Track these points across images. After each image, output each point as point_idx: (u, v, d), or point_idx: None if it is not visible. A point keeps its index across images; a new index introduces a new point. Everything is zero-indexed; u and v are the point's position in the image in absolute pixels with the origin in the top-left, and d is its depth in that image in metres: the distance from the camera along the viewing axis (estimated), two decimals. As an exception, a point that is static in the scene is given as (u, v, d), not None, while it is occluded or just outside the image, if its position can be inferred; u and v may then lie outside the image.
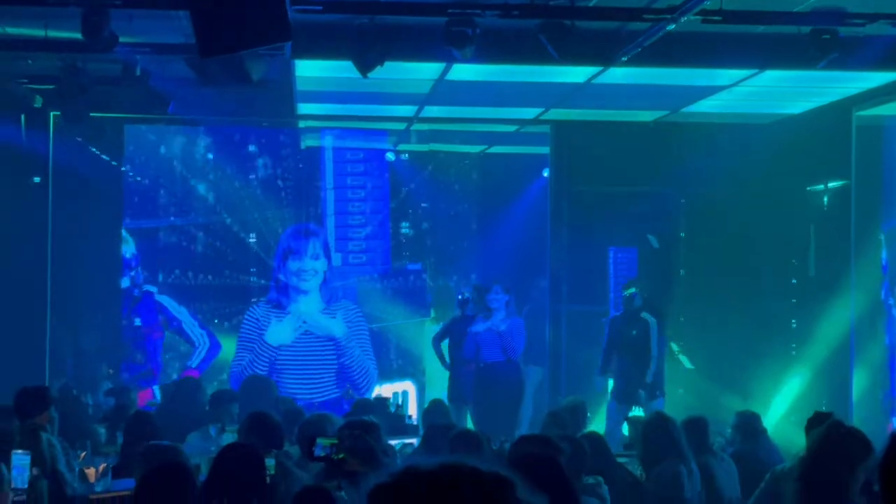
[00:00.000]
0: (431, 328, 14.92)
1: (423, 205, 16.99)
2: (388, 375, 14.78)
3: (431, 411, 12.00)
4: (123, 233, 14.92)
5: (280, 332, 13.27)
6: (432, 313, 15.04)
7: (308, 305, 12.84)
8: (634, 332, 14.54)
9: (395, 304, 14.47)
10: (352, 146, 15.58)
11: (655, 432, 9.66)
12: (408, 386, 14.12)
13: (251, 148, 16.17)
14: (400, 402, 13.65)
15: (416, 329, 14.40)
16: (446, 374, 14.86)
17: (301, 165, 16.04)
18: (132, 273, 14.96)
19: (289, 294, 13.10)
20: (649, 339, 14.58)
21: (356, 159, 15.28)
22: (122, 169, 15.95)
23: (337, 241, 14.72)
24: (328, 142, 15.37)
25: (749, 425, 10.96)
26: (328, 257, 12.85)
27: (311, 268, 12.44)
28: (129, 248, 14.98)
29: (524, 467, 6.73)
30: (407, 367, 14.39)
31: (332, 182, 14.97)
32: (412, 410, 13.92)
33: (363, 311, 13.92)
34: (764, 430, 11.10)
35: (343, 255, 14.58)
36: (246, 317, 13.47)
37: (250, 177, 15.77)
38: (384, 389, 14.33)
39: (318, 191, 15.21)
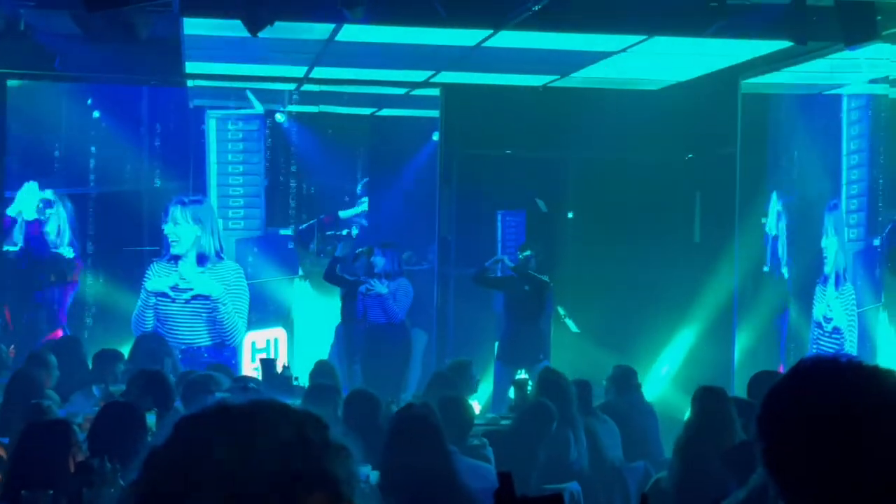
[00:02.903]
0: (300, 283, 16.15)
1: (310, 167, 17.18)
2: (261, 323, 15.89)
3: (318, 372, 11.94)
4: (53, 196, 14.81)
5: (157, 281, 14.25)
6: (300, 271, 16.27)
7: (186, 264, 13.81)
8: (527, 288, 14.58)
9: (268, 264, 15.74)
10: (234, 114, 16.12)
11: (552, 389, 9.73)
12: (279, 332, 15.50)
13: (140, 109, 16.17)
14: (287, 365, 13.81)
15: (286, 285, 15.91)
16: (314, 325, 15.84)
17: (188, 126, 16.21)
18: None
19: (174, 255, 13.91)
20: (543, 297, 14.67)
21: (237, 128, 16.05)
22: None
23: (219, 209, 15.71)
24: (214, 113, 16.00)
25: (624, 378, 11.06)
26: (202, 223, 13.77)
27: (171, 232, 13.41)
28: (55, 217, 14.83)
29: (406, 430, 6.80)
30: (278, 316, 15.70)
31: (215, 154, 15.87)
32: (282, 354, 15.23)
33: (243, 272, 14.96)
34: (638, 386, 11.21)
35: (224, 220, 15.59)
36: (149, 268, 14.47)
37: (139, 142, 15.96)
38: (258, 335, 15.60)
39: (202, 155, 15.85)
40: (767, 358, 15.16)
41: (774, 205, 15.43)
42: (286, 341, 15.39)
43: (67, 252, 14.71)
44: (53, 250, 14.78)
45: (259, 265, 15.61)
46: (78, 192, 15.18)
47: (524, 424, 9.64)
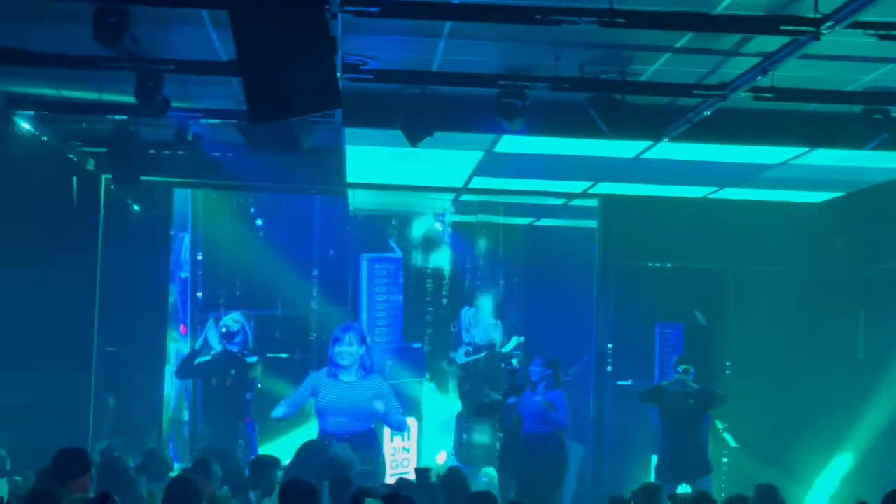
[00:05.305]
0: (427, 384, 18.57)
1: (469, 275, 18.74)
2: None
3: (451, 478, 11.82)
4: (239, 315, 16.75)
5: (328, 392, 15.51)
6: (427, 376, 18.59)
7: (348, 376, 15.35)
8: (692, 402, 14.31)
9: (402, 369, 18.45)
10: (380, 257, 19.09)
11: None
12: (412, 421, 17.57)
13: (305, 221, 18.47)
14: (441, 474, 13.89)
15: (416, 385, 18.46)
16: (438, 417, 18.12)
17: (348, 248, 18.78)
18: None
19: (337, 367, 15.29)
20: (706, 410, 14.43)
21: (382, 267, 19.10)
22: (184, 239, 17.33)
23: (369, 327, 18.45)
24: (366, 256, 19.03)
25: (766, 498, 10.79)
26: (363, 343, 15.60)
27: (346, 352, 15.27)
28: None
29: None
30: (410, 409, 17.56)
31: (366, 286, 18.96)
32: (414, 441, 17.79)
33: (386, 378, 16.75)
34: (783, 502, 10.92)
35: (371, 336, 18.01)
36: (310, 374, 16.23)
37: (304, 259, 18.64)
38: None
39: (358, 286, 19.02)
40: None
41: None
42: (417, 428, 18.01)
43: (250, 359, 16.34)
44: (239, 355, 16.22)
45: (397, 369, 18.25)
46: (255, 313, 17.53)
47: None
